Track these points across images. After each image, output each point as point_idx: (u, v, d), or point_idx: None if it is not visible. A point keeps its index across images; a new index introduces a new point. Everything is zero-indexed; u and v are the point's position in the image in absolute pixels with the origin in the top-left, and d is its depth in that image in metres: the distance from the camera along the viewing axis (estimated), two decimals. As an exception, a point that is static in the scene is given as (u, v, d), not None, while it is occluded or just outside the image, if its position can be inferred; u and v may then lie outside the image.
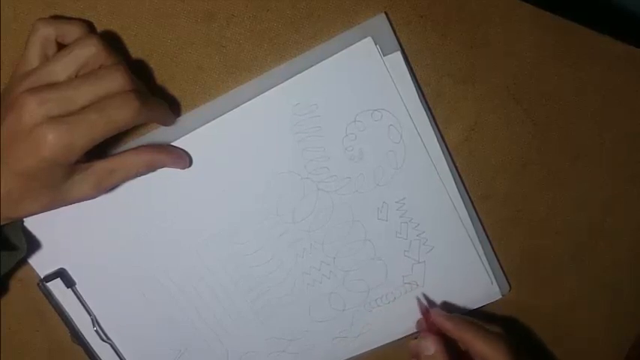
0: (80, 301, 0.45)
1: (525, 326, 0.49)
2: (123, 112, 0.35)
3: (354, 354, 0.48)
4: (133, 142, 0.42)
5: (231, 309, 0.47)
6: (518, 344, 0.42)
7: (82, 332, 0.46)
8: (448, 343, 0.42)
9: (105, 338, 0.46)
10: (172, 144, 0.42)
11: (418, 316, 0.47)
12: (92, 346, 0.47)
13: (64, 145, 0.34)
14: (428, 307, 0.46)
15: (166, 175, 0.42)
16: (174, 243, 0.45)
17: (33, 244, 0.44)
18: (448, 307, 0.47)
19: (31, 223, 0.43)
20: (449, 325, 0.42)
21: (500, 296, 0.47)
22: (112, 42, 0.40)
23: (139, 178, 0.41)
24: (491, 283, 0.47)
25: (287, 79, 0.41)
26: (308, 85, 0.42)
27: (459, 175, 0.45)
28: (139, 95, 0.36)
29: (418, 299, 0.46)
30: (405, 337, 0.47)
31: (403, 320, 0.47)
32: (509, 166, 0.45)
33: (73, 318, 0.46)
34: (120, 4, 0.41)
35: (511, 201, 0.46)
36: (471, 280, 0.46)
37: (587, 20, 0.42)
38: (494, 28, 0.42)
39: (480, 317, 0.46)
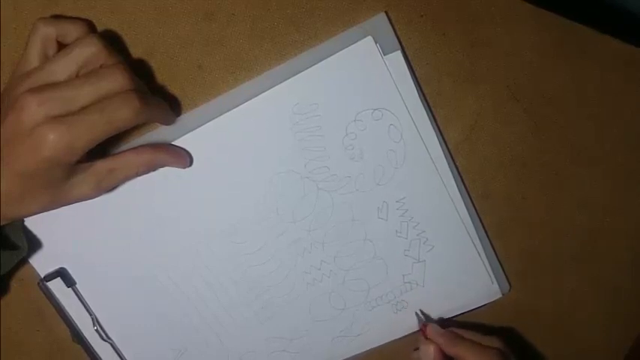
0: (80, 301, 0.45)
1: (525, 326, 0.49)
2: (123, 112, 0.35)
3: (354, 353, 0.48)
4: (133, 142, 0.42)
5: (232, 309, 0.47)
6: (518, 358, 0.43)
7: (83, 331, 0.46)
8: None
9: (105, 338, 0.46)
10: (173, 143, 0.42)
11: (419, 314, 0.47)
12: (92, 345, 0.47)
13: (65, 145, 0.34)
14: (425, 322, 0.46)
15: (167, 174, 0.42)
16: (175, 243, 0.45)
17: (33, 244, 0.44)
18: (448, 307, 0.47)
19: (32, 223, 0.43)
20: (443, 342, 0.44)
21: (500, 295, 0.47)
22: (113, 41, 0.40)
23: (139, 177, 0.41)
24: (492, 282, 0.47)
25: (287, 79, 0.41)
26: (308, 85, 0.42)
27: (459, 175, 0.45)
28: (140, 95, 0.36)
29: (417, 314, 0.47)
30: (405, 336, 0.47)
31: (403, 319, 0.47)
32: (509, 165, 0.45)
33: (73, 317, 0.46)
34: (120, 3, 0.41)
35: (511, 201, 0.46)
36: (471, 279, 0.46)
37: (587, 20, 0.42)
38: (494, 28, 0.43)
39: (479, 327, 0.47)
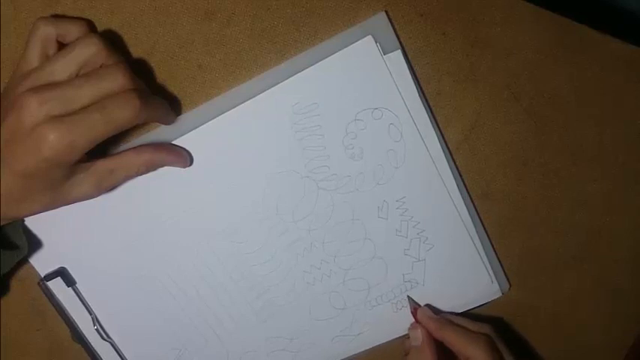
0: (81, 300, 0.46)
1: (525, 325, 0.49)
2: (124, 112, 0.35)
3: (354, 352, 0.48)
4: (133, 142, 0.42)
5: (232, 308, 0.47)
6: (506, 344, 0.43)
7: (83, 331, 0.46)
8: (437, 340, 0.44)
9: (105, 337, 0.46)
10: (173, 143, 0.42)
11: (411, 298, 0.47)
12: (92, 344, 0.47)
13: (65, 144, 0.34)
14: (416, 306, 0.47)
15: (167, 174, 0.42)
16: (175, 242, 0.45)
17: (34, 244, 0.44)
18: (448, 305, 0.47)
19: (32, 223, 0.43)
20: (431, 326, 0.44)
21: (500, 295, 0.47)
22: (113, 41, 0.40)
23: (139, 177, 0.41)
24: (492, 281, 0.47)
25: (287, 78, 0.41)
26: (308, 84, 0.42)
27: (459, 174, 0.45)
28: (140, 94, 0.36)
29: (409, 297, 0.47)
30: (405, 334, 0.47)
31: (403, 318, 0.47)
32: (510, 165, 0.45)
33: (73, 317, 0.46)
34: (120, 2, 0.41)
35: (511, 200, 0.46)
36: (471, 278, 0.46)
37: (587, 19, 0.42)
38: (494, 27, 0.43)
39: (474, 317, 0.47)
